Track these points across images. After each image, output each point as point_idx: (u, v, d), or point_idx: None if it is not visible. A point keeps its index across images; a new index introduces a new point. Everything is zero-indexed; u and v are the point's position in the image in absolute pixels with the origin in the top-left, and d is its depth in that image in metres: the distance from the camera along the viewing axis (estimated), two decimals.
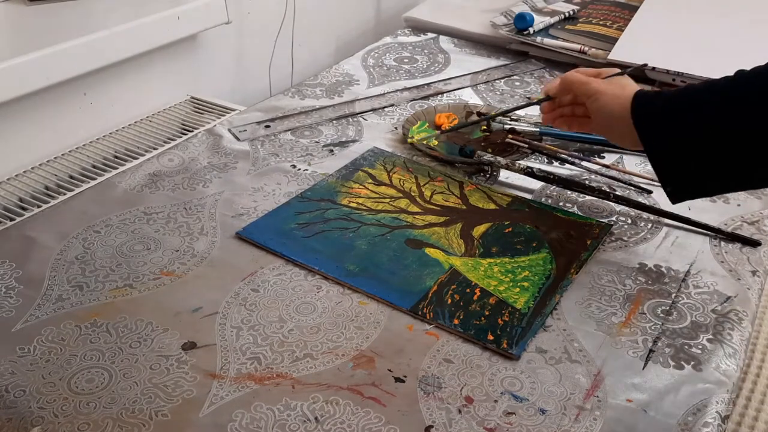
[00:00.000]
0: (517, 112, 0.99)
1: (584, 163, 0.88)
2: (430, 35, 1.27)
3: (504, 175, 0.86)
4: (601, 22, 1.21)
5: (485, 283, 0.68)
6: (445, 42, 1.25)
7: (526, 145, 0.90)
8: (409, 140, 0.89)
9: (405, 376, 0.58)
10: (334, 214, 0.77)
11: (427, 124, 0.95)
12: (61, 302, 0.64)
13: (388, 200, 0.80)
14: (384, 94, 1.05)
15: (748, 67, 0.63)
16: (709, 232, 0.76)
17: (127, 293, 0.65)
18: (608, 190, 0.81)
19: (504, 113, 0.91)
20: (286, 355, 0.59)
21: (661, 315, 0.65)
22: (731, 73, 0.64)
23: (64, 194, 0.91)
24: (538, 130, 0.92)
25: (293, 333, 0.61)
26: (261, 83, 1.35)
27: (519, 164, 0.84)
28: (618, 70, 0.74)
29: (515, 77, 1.12)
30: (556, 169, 0.87)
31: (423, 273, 0.69)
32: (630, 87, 0.70)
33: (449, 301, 0.65)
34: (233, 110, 1.12)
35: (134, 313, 0.63)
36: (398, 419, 0.54)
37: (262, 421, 0.53)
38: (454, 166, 0.87)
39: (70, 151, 0.99)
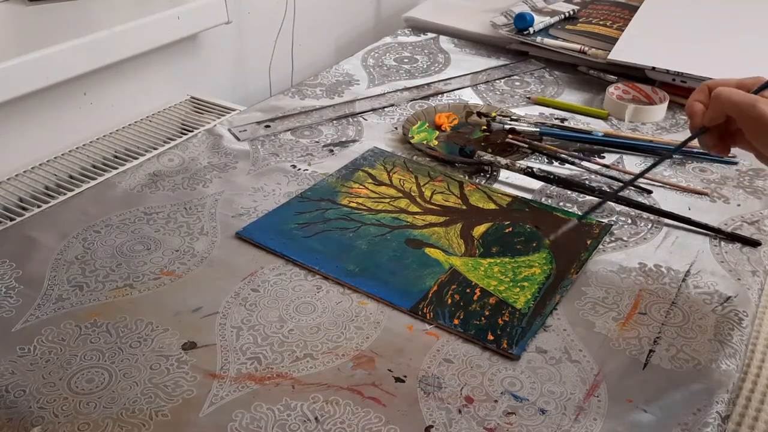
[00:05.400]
0: (517, 112, 0.99)
1: (584, 163, 0.88)
2: (430, 35, 1.27)
3: (504, 175, 0.86)
4: (601, 22, 1.21)
5: (485, 283, 0.68)
6: (445, 42, 1.25)
7: (526, 145, 0.90)
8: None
9: (405, 376, 0.58)
10: (334, 214, 0.77)
11: (427, 124, 0.95)
12: (61, 302, 0.64)
13: (388, 200, 0.80)
14: (384, 94, 1.05)
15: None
16: (709, 232, 0.76)
17: (127, 293, 0.65)
18: (608, 190, 0.81)
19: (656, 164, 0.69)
20: (286, 355, 0.59)
21: (661, 315, 0.65)
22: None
23: (64, 194, 0.91)
24: (538, 130, 0.92)
25: (293, 333, 0.61)
26: (261, 83, 1.35)
27: (519, 164, 0.84)
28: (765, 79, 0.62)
29: (515, 77, 1.12)
30: (556, 169, 0.87)
31: (423, 273, 0.69)
32: None
33: (449, 301, 0.65)
34: (233, 110, 1.12)
35: (134, 313, 0.63)
36: (398, 419, 0.54)
37: (262, 421, 0.53)
38: (454, 166, 0.87)
39: (70, 151, 0.99)
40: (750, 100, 0.59)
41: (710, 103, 0.62)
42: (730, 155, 0.83)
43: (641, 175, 0.67)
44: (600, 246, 0.74)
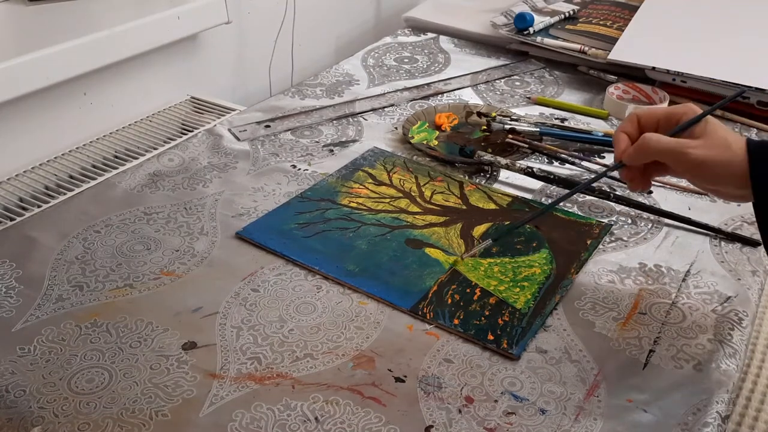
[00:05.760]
0: (517, 111, 0.99)
1: (584, 163, 0.88)
2: (430, 35, 1.27)
3: (504, 175, 0.86)
4: (601, 22, 1.21)
5: (485, 283, 0.68)
6: (445, 42, 1.25)
7: (526, 145, 0.90)
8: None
9: (405, 376, 0.58)
10: (334, 214, 0.77)
11: (427, 124, 0.95)
12: (61, 302, 0.64)
13: (388, 200, 0.80)
14: (384, 94, 1.05)
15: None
16: (709, 232, 0.76)
17: (127, 293, 0.65)
18: (608, 190, 0.81)
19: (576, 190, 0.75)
20: (286, 355, 0.59)
21: (661, 315, 0.65)
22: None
23: (64, 194, 0.91)
24: (538, 130, 0.92)
25: (293, 333, 0.61)
26: (261, 83, 1.35)
27: (519, 164, 0.84)
28: (694, 110, 0.60)
29: (515, 77, 1.12)
30: (556, 169, 0.87)
31: (423, 273, 0.69)
32: (736, 143, 0.58)
33: (449, 301, 0.65)
34: (233, 110, 1.12)
35: (134, 313, 0.63)
36: (398, 419, 0.54)
37: (262, 421, 0.53)
38: (454, 166, 0.87)
39: (70, 151, 0.99)
40: (680, 147, 0.58)
41: (635, 148, 0.60)
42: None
43: (543, 212, 0.69)
44: (600, 246, 0.74)
